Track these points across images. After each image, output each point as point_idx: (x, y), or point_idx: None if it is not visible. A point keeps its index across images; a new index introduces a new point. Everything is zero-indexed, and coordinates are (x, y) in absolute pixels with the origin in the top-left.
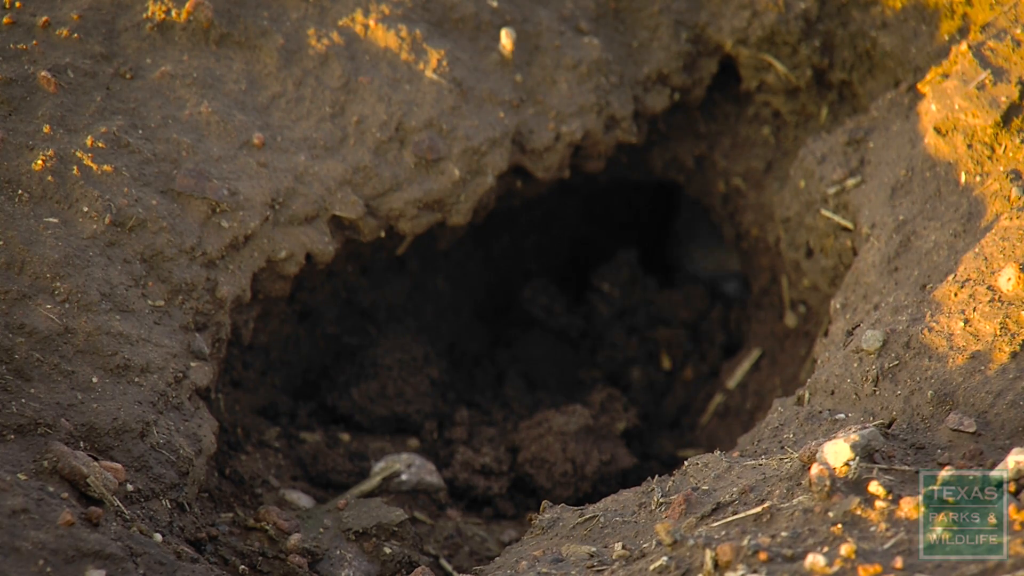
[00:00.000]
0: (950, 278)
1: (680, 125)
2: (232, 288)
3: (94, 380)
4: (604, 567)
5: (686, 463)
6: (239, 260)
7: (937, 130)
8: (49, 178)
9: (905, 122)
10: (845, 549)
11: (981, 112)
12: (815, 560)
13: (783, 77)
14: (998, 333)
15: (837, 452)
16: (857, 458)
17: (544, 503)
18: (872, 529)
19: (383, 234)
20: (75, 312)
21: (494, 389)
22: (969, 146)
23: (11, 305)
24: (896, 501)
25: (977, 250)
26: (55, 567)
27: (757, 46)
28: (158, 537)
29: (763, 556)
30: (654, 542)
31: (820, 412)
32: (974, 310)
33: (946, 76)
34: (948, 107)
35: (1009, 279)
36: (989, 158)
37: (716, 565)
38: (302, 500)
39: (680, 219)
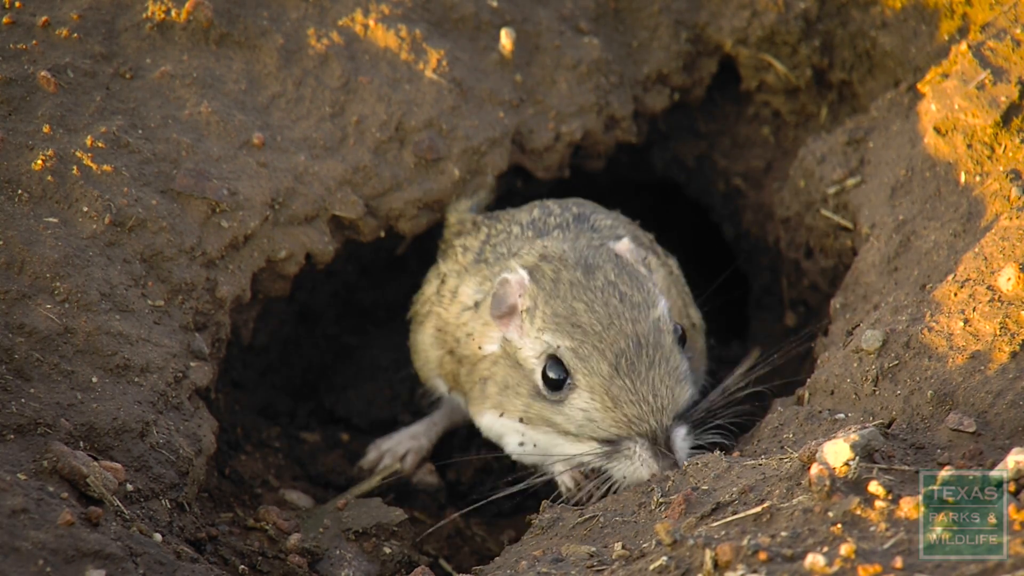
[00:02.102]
0: (950, 278)
1: (680, 125)
2: (232, 288)
3: (94, 380)
4: (604, 567)
5: (686, 463)
6: (239, 260)
7: (937, 130)
8: (49, 178)
9: (905, 122)
10: (845, 549)
11: (981, 112)
12: (815, 560)
13: (783, 77)
14: (998, 333)
15: (837, 452)
16: (857, 458)
17: (544, 503)
18: (872, 529)
19: (383, 234)
20: (75, 312)
21: None
22: (969, 146)
23: (11, 305)
24: (896, 501)
25: (977, 250)
26: (55, 567)
27: (757, 46)
28: (158, 537)
29: (763, 556)
30: (654, 542)
31: (820, 412)
32: (974, 310)
33: (946, 76)
34: (948, 107)
35: (1009, 279)
36: (989, 158)
37: (716, 565)
38: (302, 500)
39: None
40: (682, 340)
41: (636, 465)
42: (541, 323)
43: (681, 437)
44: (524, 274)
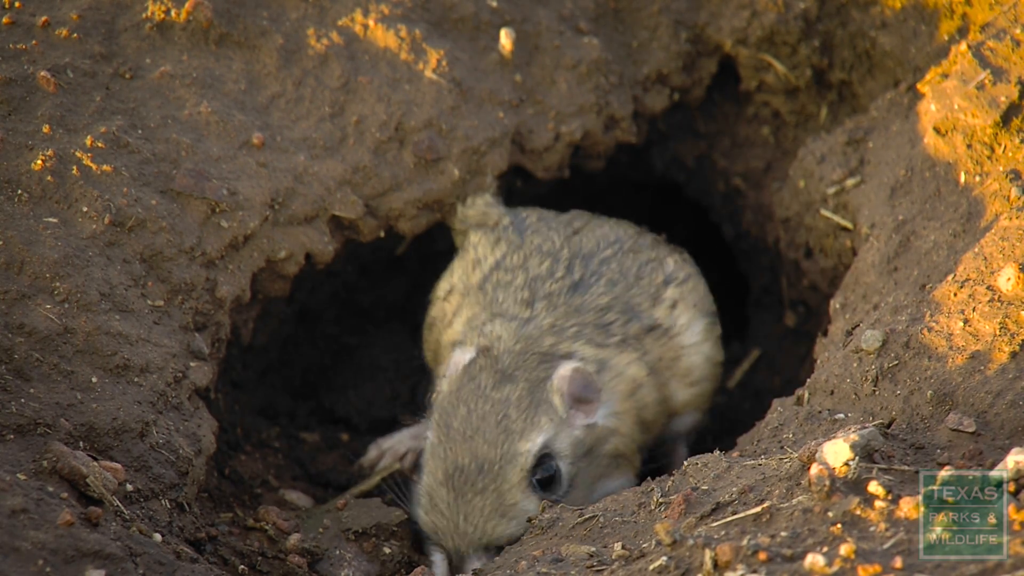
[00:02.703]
0: (950, 278)
1: (680, 125)
2: (232, 288)
3: (93, 380)
4: (604, 567)
5: (686, 463)
6: (239, 260)
7: (937, 130)
8: (49, 178)
9: (905, 122)
10: (845, 549)
11: (980, 112)
12: (815, 560)
13: (783, 77)
14: (997, 333)
15: (837, 452)
16: (857, 458)
17: (543, 502)
18: (872, 529)
19: (382, 234)
20: (74, 312)
21: None
22: (969, 146)
23: (11, 305)
24: (896, 501)
25: (977, 250)
26: (55, 567)
27: (757, 46)
28: (157, 537)
29: (763, 556)
30: (654, 542)
31: (820, 412)
32: (973, 310)
33: (946, 76)
34: (948, 107)
35: (1008, 279)
36: (988, 158)
37: (716, 565)
38: (301, 500)
39: None
40: (549, 481)
41: (434, 569)
42: (436, 408)
43: (475, 566)
44: (467, 358)
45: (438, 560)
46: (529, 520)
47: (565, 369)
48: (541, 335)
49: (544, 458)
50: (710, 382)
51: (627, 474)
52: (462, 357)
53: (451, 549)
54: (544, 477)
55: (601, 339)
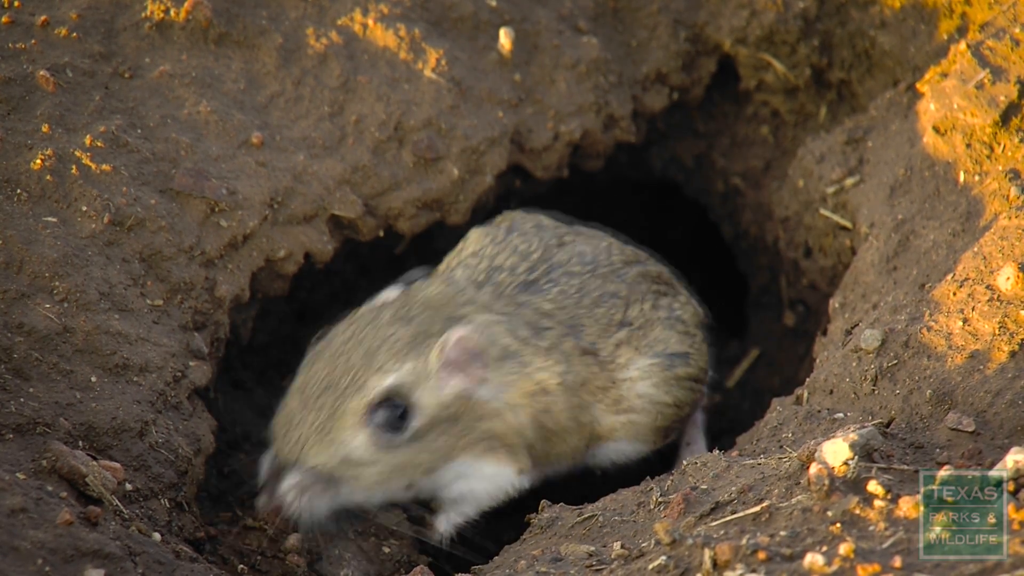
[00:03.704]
0: (949, 277)
1: (679, 124)
2: (231, 287)
3: (93, 379)
4: (603, 566)
5: (685, 462)
6: (238, 259)
7: (936, 129)
8: (48, 177)
9: (904, 121)
10: (844, 548)
11: (980, 111)
12: (814, 559)
13: (782, 76)
14: (997, 332)
15: (836, 451)
16: (856, 457)
17: (543, 502)
18: (871, 528)
19: (382, 233)
20: (74, 311)
21: None
22: (968, 145)
23: (10, 304)
24: (895, 500)
25: (976, 249)
26: (54, 566)
27: (756, 45)
28: (157, 536)
29: (762, 555)
30: (653, 541)
31: (819, 411)
32: (973, 309)
33: (945, 75)
34: (947, 106)
35: (1008, 278)
36: (988, 157)
37: (715, 564)
38: None
39: None
40: (389, 424)
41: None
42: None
43: (290, 482)
44: (392, 296)
45: (266, 461)
46: (529, 520)
47: (458, 331)
48: (466, 304)
49: (392, 401)
50: (647, 417)
51: (503, 464)
52: (389, 293)
53: (274, 454)
54: (385, 418)
55: (525, 335)
